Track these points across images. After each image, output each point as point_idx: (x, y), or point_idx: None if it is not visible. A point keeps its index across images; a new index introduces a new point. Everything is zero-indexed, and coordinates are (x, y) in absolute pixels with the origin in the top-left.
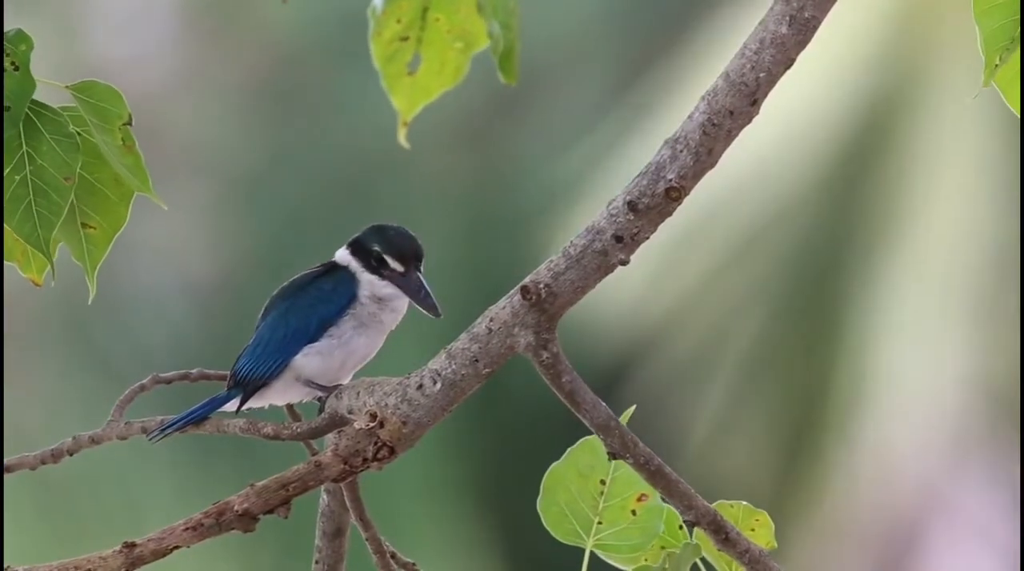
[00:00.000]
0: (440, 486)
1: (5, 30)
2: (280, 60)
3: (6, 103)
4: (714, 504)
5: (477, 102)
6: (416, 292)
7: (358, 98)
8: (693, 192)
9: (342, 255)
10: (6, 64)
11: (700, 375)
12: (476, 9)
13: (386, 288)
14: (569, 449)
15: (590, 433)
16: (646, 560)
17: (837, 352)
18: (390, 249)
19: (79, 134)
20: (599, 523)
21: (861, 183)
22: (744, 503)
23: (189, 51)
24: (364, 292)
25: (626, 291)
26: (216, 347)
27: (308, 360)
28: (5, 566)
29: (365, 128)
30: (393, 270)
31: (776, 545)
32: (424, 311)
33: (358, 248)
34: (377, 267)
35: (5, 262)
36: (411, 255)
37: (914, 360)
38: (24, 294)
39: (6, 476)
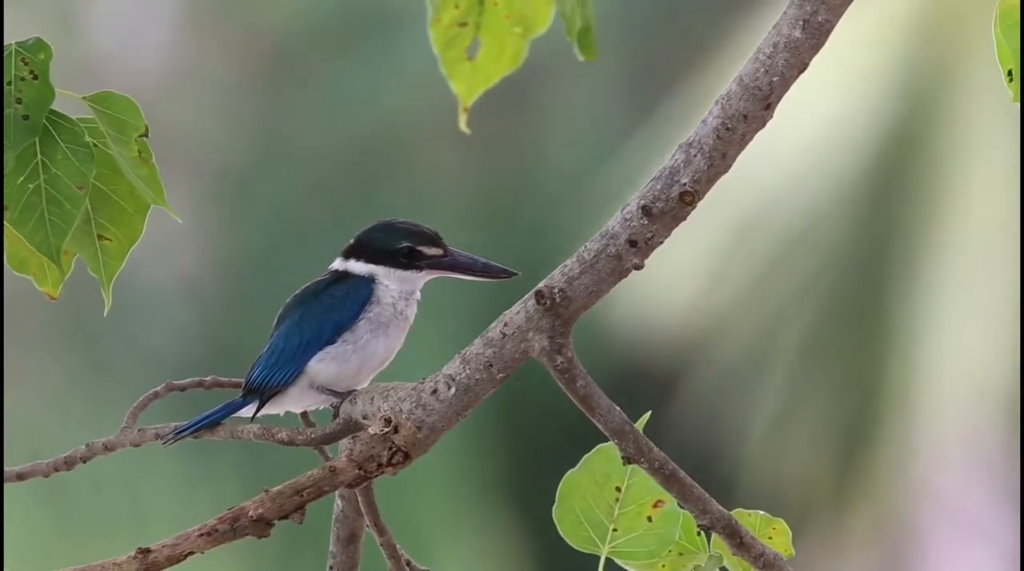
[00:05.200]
0: (457, 491)
1: (24, 39)
2: (276, 55)
3: (24, 112)
4: (732, 512)
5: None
6: (475, 265)
7: (354, 93)
8: (739, 196)
9: (349, 265)
10: (24, 73)
11: (753, 377)
12: None
13: (422, 278)
14: (584, 457)
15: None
16: (663, 567)
17: (887, 348)
18: (419, 239)
19: (95, 145)
20: (614, 530)
21: (901, 181)
22: (761, 512)
23: (185, 47)
24: (389, 292)
25: (677, 296)
26: (215, 344)
27: (323, 366)
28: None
29: (362, 123)
30: (433, 256)
31: (793, 552)
32: (495, 278)
33: (371, 251)
34: (408, 262)
35: (17, 273)
36: (438, 237)
37: (943, 358)
38: (24, 295)
39: (17, 481)
